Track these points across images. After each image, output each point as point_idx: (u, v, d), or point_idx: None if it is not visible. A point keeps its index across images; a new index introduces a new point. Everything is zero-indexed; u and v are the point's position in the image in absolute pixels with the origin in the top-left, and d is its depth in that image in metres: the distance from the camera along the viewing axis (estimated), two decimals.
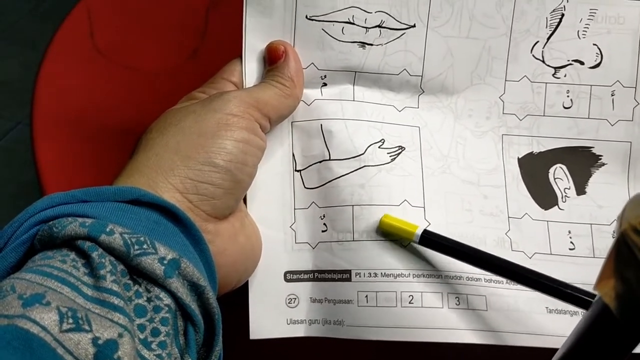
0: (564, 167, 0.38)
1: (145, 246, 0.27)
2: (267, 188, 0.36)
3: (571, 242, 0.37)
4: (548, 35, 0.37)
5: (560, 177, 0.38)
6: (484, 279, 0.35)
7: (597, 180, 0.38)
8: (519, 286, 0.34)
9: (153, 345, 0.26)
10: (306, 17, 0.36)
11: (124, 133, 0.48)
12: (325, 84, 0.37)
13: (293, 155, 0.36)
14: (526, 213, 0.37)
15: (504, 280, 0.35)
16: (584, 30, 0.37)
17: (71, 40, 0.52)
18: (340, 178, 0.36)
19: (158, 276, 0.26)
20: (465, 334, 0.34)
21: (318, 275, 0.35)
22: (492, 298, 0.35)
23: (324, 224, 0.36)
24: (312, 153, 0.36)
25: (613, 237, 0.35)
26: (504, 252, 0.35)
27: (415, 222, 0.35)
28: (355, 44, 0.36)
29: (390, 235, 0.35)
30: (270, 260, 0.35)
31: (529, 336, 0.35)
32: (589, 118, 0.38)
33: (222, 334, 0.29)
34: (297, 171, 0.36)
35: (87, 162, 0.47)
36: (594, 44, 0.37)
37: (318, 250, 0.36)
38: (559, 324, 0.35)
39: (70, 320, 0.23)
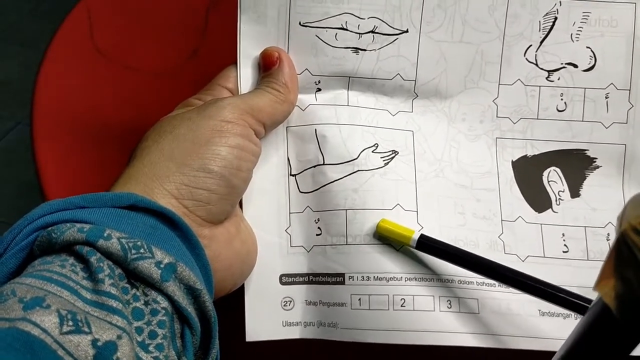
0: (558, 170, 0.38)
1: (142, 250, 0.27)
2: (262, 192, 0.37)
3: (565, 245, 0.37)
4: (541, 38, 0.38)
5: (554, 180, 0.38)
6: (476, 282, 0.35)
7: (591, 182, 0.38)
8: (511, 289, 0.35)
9: (150, 348, 0.26)
10: (300, 23, 0.36)
11: (124, 133, 0.48)
12: (319, 89, 0.37)
13: (288, 159, 0.37)
14: (520, 216, 0.37)
15: (496, 283, 0.35)
16: (577, 34, 0.38)
17: (71, 40, 0.52)
18: (334, 182, 0.36)
19: (155, 280, 0.27)
20: (457, 337, 0.35)
21: (313, 278, 0.36)
22: (484, 301, 0.35)
23: (319, 227, 0.36)
24: (306, 158, 0.37)
25: (607, 240, 0.36)
26: (497, 255, 0.36)
27: (408, 225, 0.35)
28: (349, 49, 0.37)
29: (387, 239, 0.36)
30: (266, 264, 0.36)
31: (522, 339, 0.35)
32: (583, 121, 0.38)
33: (219, 336, 0.30)
34: (292, 175, 0.37)
35: (87, 161, 0.47)
36: (587, 47, 0.38)
37: (313, 254, 0.36)
38: (551, 326, 0.35)
39: (70, 323, 0.24)
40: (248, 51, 0.37)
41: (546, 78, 0.38)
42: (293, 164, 0.37)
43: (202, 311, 0.29)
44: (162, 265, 0.27)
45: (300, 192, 0.37)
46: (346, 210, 0.36)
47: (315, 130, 0.37)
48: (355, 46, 0.37)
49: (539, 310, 0.36)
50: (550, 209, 0.38)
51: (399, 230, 0.35)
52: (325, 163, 0.36)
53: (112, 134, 0.48)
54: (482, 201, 0.37)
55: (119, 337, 0.25)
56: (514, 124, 0.38)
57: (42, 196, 0.47)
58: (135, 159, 0.33)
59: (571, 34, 0.38)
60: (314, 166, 0.37)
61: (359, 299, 0.35)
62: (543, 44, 0.38)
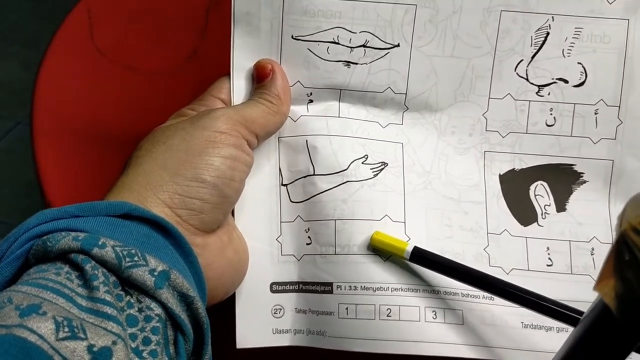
0: (545, 184, 0.39)
1: (136, 258, 0.28)
2: (254, 202, 0.37)
3: (549, 259, 0.37)
4: (532, 53, 0.38)
5: (541, 194, 0.38)
6: (461, 294, 0.36)
7: (577, 197, 0.39)
8: (495, 301, 0.36)
9: (144, 354, 0.27)
10: (292, 37, 0.37)
11: (124, 133, 0.48)
12: (311, 101, 0.38)
13: (280, 170, 0.38)
14: (505, 229, 0.38)
15: (481, 294, 0.36)
16: (569, 49, 0.38)
17: (71, 40, 0.52)
18: (324, 193, 0.37)
19: (149, 287, 0.28)
20: (442, 347, 0.35)
21: (303, 287, 0.37)
22: (468, 312, 0.36)
23: (309, 237, 0.37)
24: (297, 168, 0.37)
25: (592, 255, 0.37)
26: (482, 267, 0.36)
27: (397, 236, 0.36)
28: (340, 62, 0.38)
29: (380, 251, 0.36)
30: (257, 272, 0.37)
31: (505, 350, 0.36)
32: (571, 136, 0.38)
33: (211, 343, 0.31)
34: (284, 185, 0.38)
35: (87, 161, 0.47)
36: (578, 63, 0.38)
37: (303, 263, 0.37)
38: (534, 339, 0.36)
39: (66, 329, 0.24)
40: (241, 63, 0.37)
41: (536, 93, 0.38)
42: (284, 173, 0.38)
43: (195, 318, 0.30)
44: (155, 273, 0.28)
45: (292, 201, 0.37)
46: (335, 220, 0.36)
47: (307, 141, 0.38)
48: (346, 59, 0.38)
49: (522, 322, 0.36)
50: (535, 223, 0.38)
51: (393, 243, 0.36)
52: (316, 173, 0.37)
53: (112, 134, 0.48)
54: (469, 214, 0.38)
55: (114, 342, 0.25)
56: (503, 137, 0.39)
57: (42, 196, 0.47)
58: (130, 168, 0.33)
59: (563, 50, 0.38)
60: (305, 176, 0.37)
61: (346, 308, 0.36)
62: (534, 59, 0.38)
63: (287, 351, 0.37)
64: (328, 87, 0.38)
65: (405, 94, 0.38)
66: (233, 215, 0.37)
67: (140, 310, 0.28)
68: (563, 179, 0.39)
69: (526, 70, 0.38)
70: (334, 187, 0.37)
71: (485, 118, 0.39)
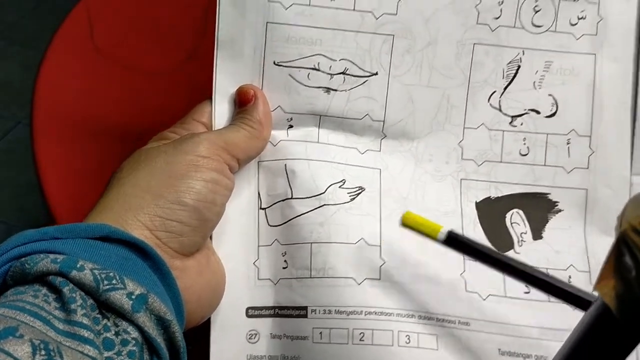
0: (520, 212, 0.39)
1: (114, 281, 0.28)
2: (233, 225, 0.38)
3: (526, 286, 0.38)
4: (505, 85, 0.39)
5: (517, 221, 0.39)
6: (436, 319, 0.37)
7: (553, 226, 0.39)
8: (471, 326, 0.36)
9: None
10: (274, 62, 0.38)
11: (124, 133, 0.48)
12: (291, 126, 0.39)
13: (259, 194, 0.38)
14: None
15: (457, 320, 0.37)
16: (539, 81, 0.39)
17: (71, 40, 0.52)
18: (301, 216, 0.37)
19: (126, 310, 0.28)
20: None
21: (278, 312, 0.37)
22: (443, 338, 0.36)
23: (285, 260, 0.37)
24: (276, 192, 0.38)
25: (569, 281, 0.38)
26: (458, 293, 0.37)
27: (372, 260, 0.37)
28: (320, 89, 0.39)
29: (414, 229, 0.35)
30: (233, 296, 0.37)
31: None
32: (545, 165, 0.39)
33: None
34: (262, 209, 0.38)
35: (87, 161, 0.47)
36: (549, 95, 0.39)
37: (279, 287, 0.37)
38: None
39: (43, 352, 0.24)
40: (224, 87, 0.38)
41: (509, 123, 0.40)
42: (263, 197, 0.38)
43: (171, 342, 0.30)
44: (133, 296, 0.28)
45: (269, 225, 0.38)
46: (311, 243, 0.37)
47: (285, 165, 0.38)
48: (326, 86, 0.39)
49: (499, 349, 0.36)
50: (512, 250, 0.39)
51: (426, 223, 0.35)
52: (294, 197, 0.38)
53: (112, 134, 0.48)
54: None
55: None
56: (479, 166, 0.39)
57: (42, 196, 0.47)
58: (111, 189, 0.34)
59: (534, 82, 0.39)
60: (283, 200, 0.38)
61: (320, 333, 0.36)
62: (507, 90, 0.39)
63: None
64: (308, 112, 0.39)
65: (383, 121, 0.39)
66: (211, 238, 0.37)
67: (117, 333, 0.28)
68: (539, 208, 0.39)
69: (499, 101, 0.39)
70: (311, 211, 0.37)
71: (461, 147, 0.40)
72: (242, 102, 0.38)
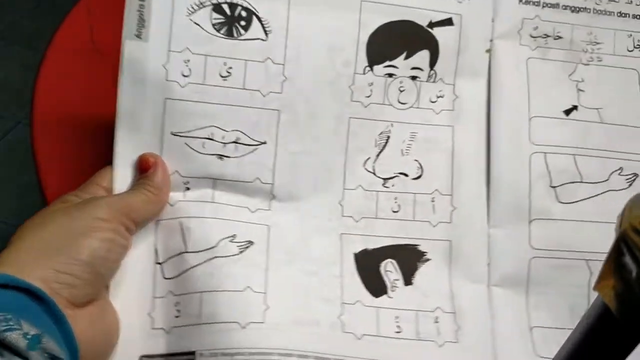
0: (394, 261, 0.44)
1: (11, 323, 0.31)
2: (130, 278, 0.41)
3: (397, 326, 0.43)
4: (378, 152, 0.45)
5: (390, 270, 0.44)
6: (314, 357, 0.40)
7: (422, 272, 0.44)
8: None
9: None
10: (172, 133, 0.42)
11: None
12: (188, 188, 0.43)
13: (156, 249, 0.42)
14: (358, 300, 0.43)
15: (333, 357, 0.41)
16: (407, 149, 0.46)
17: (71, 40, 0.52)
18: (194, 268, 0.41)
19: (21, 349, 0.30)
20: None
21: (170, 359, 0.40)
22: None
23: (178, 310, 0.41)
24: (172, 247, 0.41)
25: (436, 322, 0.43)
26: (336, 333, 0.42)
27: (257, 305, 0.41)
28: (214, 156, 0.43)
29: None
30: (128, 345, 0.40)
31: None
32: (414, 220, 0.45)
33: None
34: (158, 264, 0.41)
35: (87, 161, 0.47)
36: (415, 160, 0.46)
37: (171, 335, 0.40)
38: None
39: None
40: (124, 154, 0.42)
41: (382, 185, 0.45)
42: (160, 253, 0.41)
43: None
44: (28, 336, 0.31)
45: (165, 278, 0.41)
46: (202, 292, 0.40)
47: (181, 223, 0.42)
48: (220, 153, 0.43)
49: None
50: (385, 295, 0.43)
51: None
52: (187, 251, 0.41)
53: (112, 134, 0.48)
54: (327, 286, 0.43)
55: None
56: (357, 222, 0.45)
57: (42, 196, 0.47)
58: (14, 242, 0.36)
59: (402, 149, 0.45)
60: (178, 254, 0.41)
61: None
62: (379, 157, 0.45)
63: None
64: (203, 176, 0.43)
65: (272, 184, 0.44)
66: (109, 289, 0.40)
67: None
68: (409, 257, 0.45)
69: (373, 166, 0.45)
70: (203, 263, 0.41)
71: (342, 205, 0.45)
72: (143, 168, 0.41)
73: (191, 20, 0.43)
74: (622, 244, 0.18)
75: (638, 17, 0.48)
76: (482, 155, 0.46)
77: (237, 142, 0.43)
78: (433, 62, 0.46)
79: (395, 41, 0.45)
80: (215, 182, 0.43)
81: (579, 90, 0.47)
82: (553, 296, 0.45)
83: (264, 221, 0.43)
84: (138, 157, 0.42)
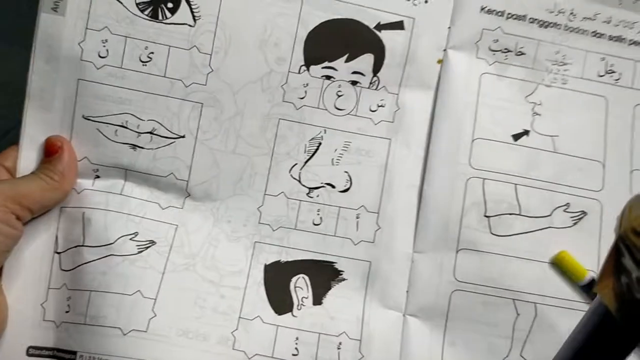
0: (306, 277, 0.42)
1: None
2: (27, 265, 0.40)
3: (296, 348, 0.41)
4: (306, 159, 0.42)
5: (301, 286, 0.42)
6: None
7: (335, 293, 0.42)
8: None
9: None
10: (83, 116, 0.41)
11: None
12: (98, 176, 0.41)
13: (56, 237, 0.40)
14: (258, 315, 0.41)
15: None
16: (337, 159, 0.42)
17: None
18: (88, 264, 0.40)
19: None
20: None
21: (56, 353, 0.40)
22: None
23: (68, 305, 0.40)
24: (71, 237, 0.40)
25: (338, 349, 0.41)
26: (224, 350, 0.40)
27: (143, 312, 0.39)
28: (127, 145, 0.41)
29: (563, 269, 0.41)
30: (16, 334, 0.39)
31: None
32: (335, 236, 0.42)
33: None
34: (57, 253, 0.40)
35: None
36: (345, 171, 0.43)
37: (60, 330, 0.40)
38: None
39: None
40: (32, 134, 0.41)
41: (307, 194, 0.42)
42: (60, 242, 0.40)
43: None
44: None
45: (62, 269, 0.40)
46: (91, 291, 0.39)
47: (84, 213, 0.40)
48: (133, 143, 0.41)
49: None
50: (290, 313, 0.41)
51: (576, 267, 0.41)
52: (85, 244, 0.40)
53: None
54: (225, 297, 0.41)
55: None
56: (274, 231, 0.42)
57: None
58: None
59: (332, 158, 0.42)
60: (76, 246, 0.40)
61: None
62: (307, 164, 0.42)
63: None
64: (114, 165, 0.41)
65: (188, 181, 0.42)
66: (1, 276, 0.39)
67: None
68: (324, 275, 0.42)
69: (299, 173, 0.42)
70: (97, 259, 0.40)
71: (260, 211, 0.42)
72: (48, 152, 0.40)
73: None
74: (621, 245, 0.18)
75: (615, 39, 0.44)
76: (417, 175, 0.43)
77: (152, 133, 0.41)
78: (377, 67, 0.42)
79: (337, 41, 0.42)
80: (127, 173, 0.41)
81: (535, 113, 0.43)
82: (472, 334, 0.41)
83: (172, 220, 0.41)
84: (45, 140, 0.40)
